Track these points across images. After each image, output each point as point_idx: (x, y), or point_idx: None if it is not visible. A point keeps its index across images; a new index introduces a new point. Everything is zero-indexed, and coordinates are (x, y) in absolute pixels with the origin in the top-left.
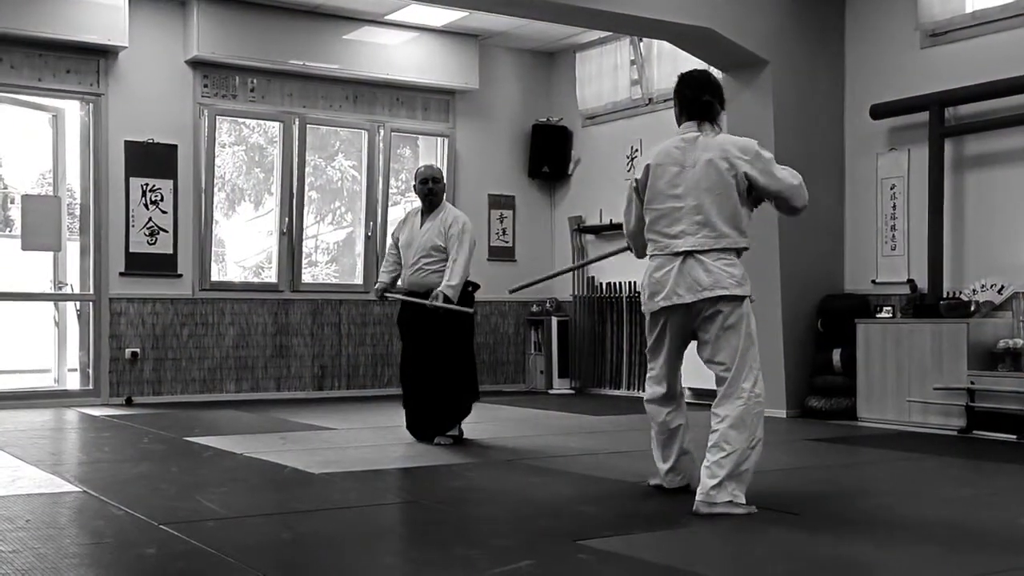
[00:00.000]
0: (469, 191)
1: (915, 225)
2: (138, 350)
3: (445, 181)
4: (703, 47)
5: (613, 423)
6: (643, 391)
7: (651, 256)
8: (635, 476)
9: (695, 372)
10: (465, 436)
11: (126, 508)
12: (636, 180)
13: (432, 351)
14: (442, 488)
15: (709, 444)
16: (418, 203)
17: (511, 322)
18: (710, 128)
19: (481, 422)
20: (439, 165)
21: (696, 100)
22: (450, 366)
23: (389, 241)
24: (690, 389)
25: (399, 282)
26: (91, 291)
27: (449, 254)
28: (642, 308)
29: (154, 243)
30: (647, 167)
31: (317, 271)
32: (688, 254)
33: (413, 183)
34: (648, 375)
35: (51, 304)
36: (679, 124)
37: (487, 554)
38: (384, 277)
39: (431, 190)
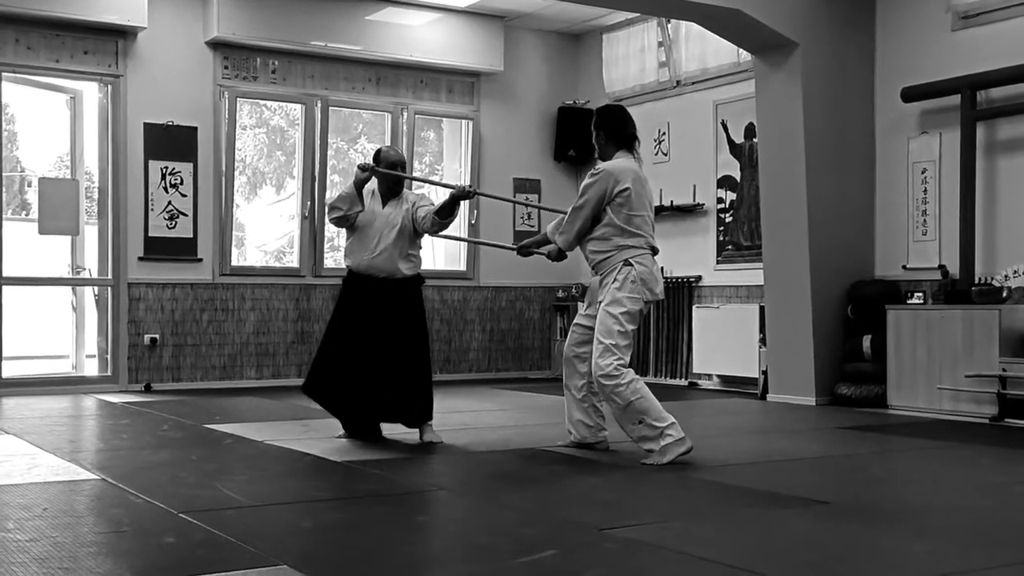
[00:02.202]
0: (494, 175)
1: (946, 210)
2: (157, 336)
3: None
4: (732, 29)
5: None
6: (670, 378)
7: (639, 252)
8: (662, 465)
9: (722, 360)
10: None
11: (145, 496)
12: (611, 189)
13: (411, 333)
14: (464, 476)
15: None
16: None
17: (536, 308)
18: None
19: (506, 409)
20: (464, 149)
21: (631, 135)
22: (423, 351)
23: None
24: (719, 376)
25: (355, 266)
26: (109, 276)
27: (429, 211)
28: (648, 297)
29: (173, 227)
30: (627, 182)
31: (339, 256)
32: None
33: (374, 165)
34: (627, 355)
35: (69, 289)
36: (607, 154)
37: (511, 543)
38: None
39: (399, 178)
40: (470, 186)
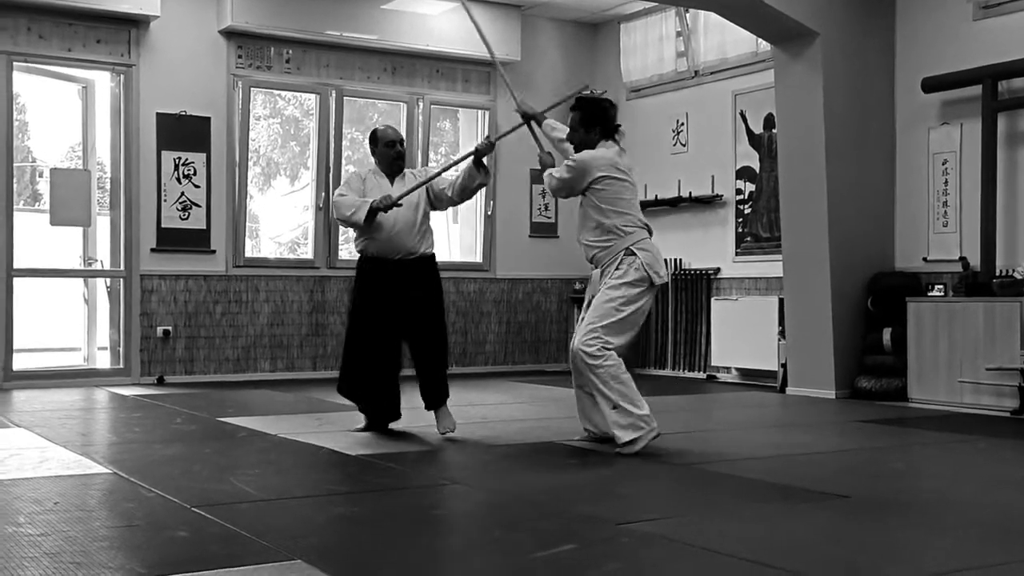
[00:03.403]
0: (510, 165)
1: (967, 201)
2: (170, 328)
3: None
4: (751, 18)
5: (657, 404)
6: (688, 371)
7: (638, 238)
8: (680, 458)
9: (741, 353)
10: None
11: (157, 490)
12: (613, 175)
13: (431, 313)
14: (480, 470)
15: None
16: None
17: (553, 299)
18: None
19: (523, 402)
20: (480, 139)
21: (616, 126)
22: (441, 331)
23: (344, 189)
24: (737, 369)
25: (367, 249)
26: (122, 267)
27: (446, 178)
28: (656, 281)
29: (186, 218)
30: (616, 169)
31: (354, 247)
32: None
33: (372, 146)
34: (615, 341)
35: (81, 281)
36: (594, 142)
37: (528, 537)
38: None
39: (400, 154)
40: (487, 136)
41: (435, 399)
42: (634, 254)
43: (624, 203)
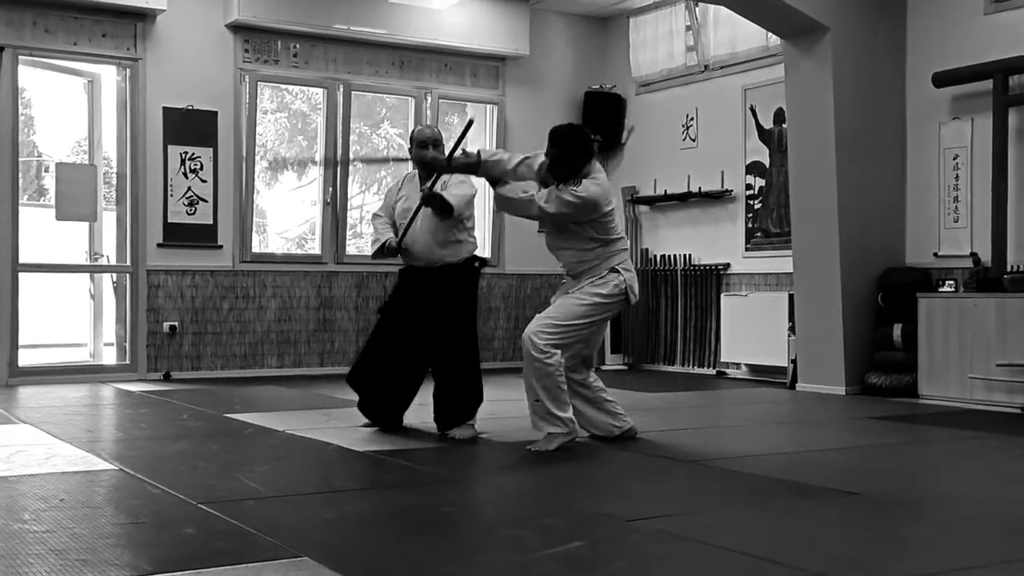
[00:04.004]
0: None
1: (978, 196)
2: (176, 324)
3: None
4: (761, 12)
5: (667, 400)
6: (698, 367)
7: (622, 259)
8: (689, 455)
9: (751, 349)
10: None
11: (164, 487)
12: (613, 203)
13: (444, 327)
14: (489, 467)
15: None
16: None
17: None
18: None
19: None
20: (489, 134)
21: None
22: (468, 346)
23: (376, 210)
24: (747, 365)
25: (404, 253)
26: (128, 263)
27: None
28: (632, 300)
29: (193, 213)
30: (611, 202)
31: (362, 243)
32: None
33: (409, 147)
34: (563, 345)
35: (87, 276)
36: (581, 169)
37: (537, 535)
38: (387, 233)
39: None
40: (421, 188)
41: (443, 419)
42: (619, 272)
43: (617, 225)
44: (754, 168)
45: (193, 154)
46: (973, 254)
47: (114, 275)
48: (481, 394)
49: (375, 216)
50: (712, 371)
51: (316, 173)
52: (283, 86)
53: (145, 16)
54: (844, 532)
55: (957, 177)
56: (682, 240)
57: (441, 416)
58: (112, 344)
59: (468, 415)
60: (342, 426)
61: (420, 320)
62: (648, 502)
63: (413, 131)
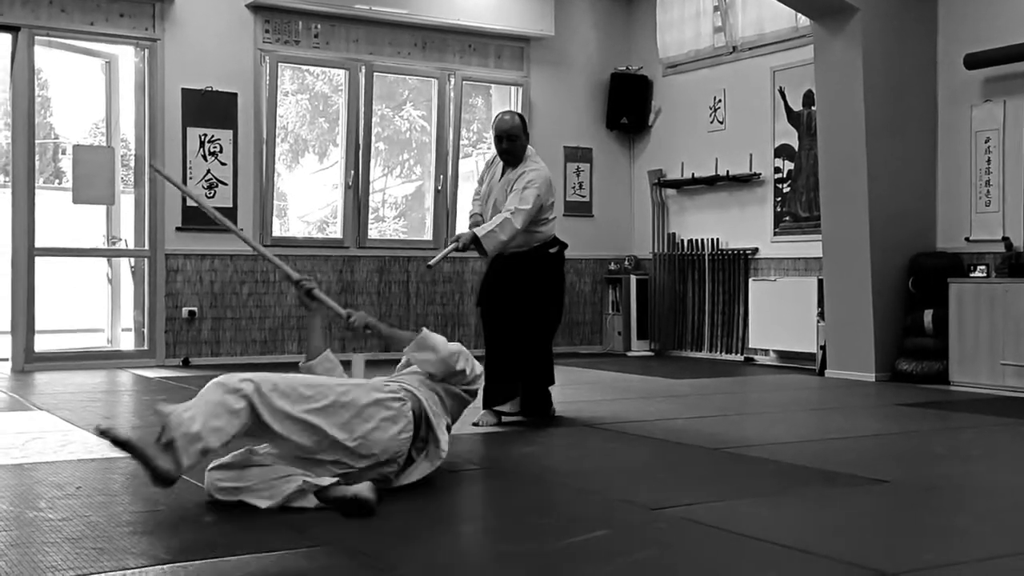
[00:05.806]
0: (544, 143)
1: (1011, 180)
2: (195, 309)
3: (527, 131)
4: None
5: (694, 387)
6: (725, 353)
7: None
8: (716, 442)
9: (779, 335)
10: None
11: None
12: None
13: (508, 311)
14: (515, 454)
15: None
16: None
17: (588, 281)
18: None
19: (557, 386)
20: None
21: None
22: (528, 330)
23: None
24: (776, 351)
25: None
26: (146, 247)
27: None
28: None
29: (213, 196)
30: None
31: (384, 226)
32: None
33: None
34: None
35: (104, 260)
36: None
37: (562, 523)
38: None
39: (506, 150)
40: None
41: (487, 396)
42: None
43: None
44: (783, 151)
45: (212, 136)
46: (1005, 238)
47: (132, 259)
48: (531, 381)
49: (474, 200)
50: (740, 357)
51: (338, 155)
52: (304, 67)
53: None
54: (873, 520)
55: (989, 160)
56: (710, 224)
57: (489, 393)
58: (130, 329)
59: (506, 398)
60: None
61: (492, 306)
62: (673, 490)
63: (495, 118)
